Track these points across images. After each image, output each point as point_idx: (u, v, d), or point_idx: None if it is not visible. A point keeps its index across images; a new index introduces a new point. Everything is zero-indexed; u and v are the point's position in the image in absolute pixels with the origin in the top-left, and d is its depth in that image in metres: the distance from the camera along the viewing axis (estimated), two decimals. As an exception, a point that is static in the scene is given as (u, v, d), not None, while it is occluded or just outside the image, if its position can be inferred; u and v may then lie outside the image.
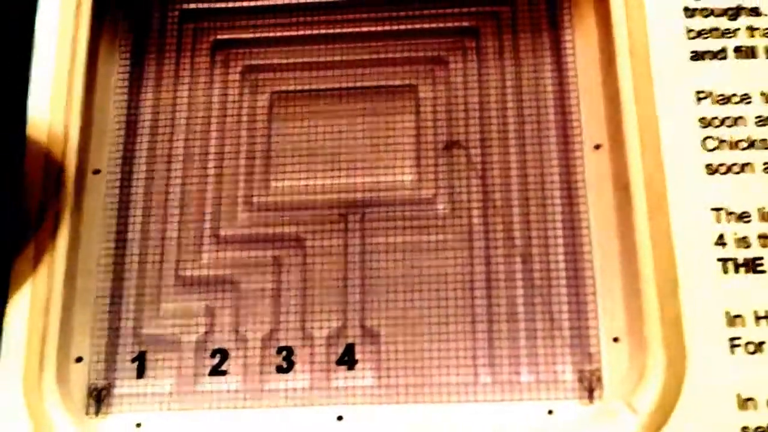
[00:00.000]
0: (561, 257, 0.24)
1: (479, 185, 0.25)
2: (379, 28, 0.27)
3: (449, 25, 0.27)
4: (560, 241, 0.24)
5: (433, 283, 0.24)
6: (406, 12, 0.27)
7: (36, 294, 0.24)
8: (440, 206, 0.25)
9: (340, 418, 0.24)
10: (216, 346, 0.24)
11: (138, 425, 0.24)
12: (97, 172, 0.26)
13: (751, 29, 0.25)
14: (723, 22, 0.25)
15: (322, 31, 0.27)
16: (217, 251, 0.25)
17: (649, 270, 0.23)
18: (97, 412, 0.24)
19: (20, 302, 0.24)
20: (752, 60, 0.25)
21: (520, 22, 0.27)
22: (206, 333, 0.24)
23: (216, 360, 0.24)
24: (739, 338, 0.22)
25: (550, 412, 0.23)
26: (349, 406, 0.24)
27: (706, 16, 0.25)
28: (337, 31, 0.27)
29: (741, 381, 0.22)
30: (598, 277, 0.24)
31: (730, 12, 0.25)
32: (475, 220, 0.25)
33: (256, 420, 0.24)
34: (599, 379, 0.23)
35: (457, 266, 0.24)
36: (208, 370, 0.24)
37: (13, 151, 0.25)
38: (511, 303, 0.24)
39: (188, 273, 0.25)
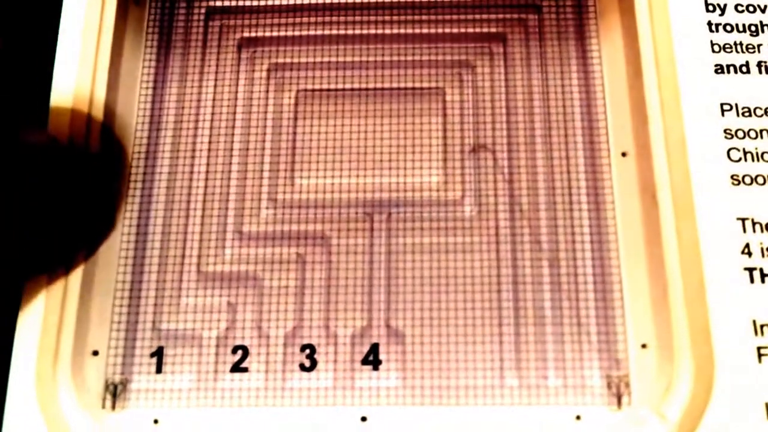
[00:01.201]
0: (588, 262, 0.24)
1: (506, 189, 0.25)
2: (408, 31, 0.27)
3: (477, 30, 0.27)
4: (587, 246, 0.24)
5: (460, 285, 0.24)
6: (433, 16, 0.27)
7: (52, 284, 0.23)
8: (467, 208, 0.25)
9: (364, 419, 0.23)
10: (237, 343, 0.24)
11: (155, 421, 0.23)
12: (118, 164, 0.26)
13: (774, 45, 0.25)
14: (746, 38, 0.25)
15: (350, 32, 0.27)
16: (240, 247, 0.25)
17: (677, 278, 0.23)
18: (113, 407, 0.23)
19: (36, 292, 0.23)
20: (776, 75, 0.25)
21: (546, 30, 0.27)
22: (227, 329, 0.24)
23: (237, 356, 0.24)
24: (766, 347, 0.22)
25: (578, 417, 0.23)
26: (373, 406, 0.23)
27: (729, 32, 0.25)
28: (365, 32, 0.27)
29: (769, 390, 0.22)
30: (626, 284, 0.24)
31: (752, 28, 0.25)
32: (502, 223, 0.25)
33: (278, 419, 0.23)
34: (627, 385, 0.23)
35: (484, 268, 0.24)
36: (228, 367, 0.24)
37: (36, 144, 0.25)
38: (538, 307, 0.24)
39: (210, 268, 0.25)
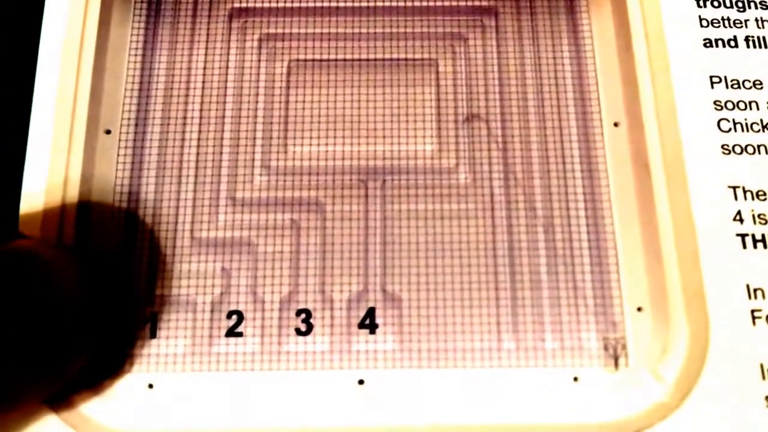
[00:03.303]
0: (583, 228, 0.24)
1: (500, 157, 0.25)
2: (400, 4, 0.27)
3: (469, 3, 0.27)
4: (582, 213, 0.24)
5: (456, 250, 0.24)
6: (425, -12, 0.27)
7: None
8: (461, 176, 0.25)
9: (361, 382, 0.23)
10: (232, 308, 0.24)
11: (150, 386, 0.23)
12: (108, 132, 0.25)
13: (760, 20, 0.26)
14: (733, 13, 0.26)
15: (342, 4, 0.27)
16: (234, 213, 0.24)
17: (670, 243, 0.23)
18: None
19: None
20: (763, 50, 0.25)
21: (537, 5, 0.27)
22: (222, 294, 0.24)
23: (232, 321, 0.23)
24: (760, 310, 0.22)
25: (575, 378, 0.23)
26: (370, 370, 0.23)
27: (717, 7, 0.26)
28: (357, 4, 0.27)
29: (764, 351, 0.22)
30: (620, 249, 0.24)
31: (739, 4, 0.26)
32: (497, 191, 0.25)
33: (274, 383, 0.23)
34: (624, 347, 0.23)
35: (479, 234, 0.24)
36: (223, 332, 0.23)
37: (19, 110, 0.24)
38: (534, 271, 0.24)
39: (204, 234, 0.24)
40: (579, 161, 0.25)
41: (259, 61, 0.26)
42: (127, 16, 0.27)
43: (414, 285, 0.24)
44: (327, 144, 0.25)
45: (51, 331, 0.20)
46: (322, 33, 0.27)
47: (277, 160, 0.25)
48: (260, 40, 0.27)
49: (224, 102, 0.26)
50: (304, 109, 0.26)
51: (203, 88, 0.26)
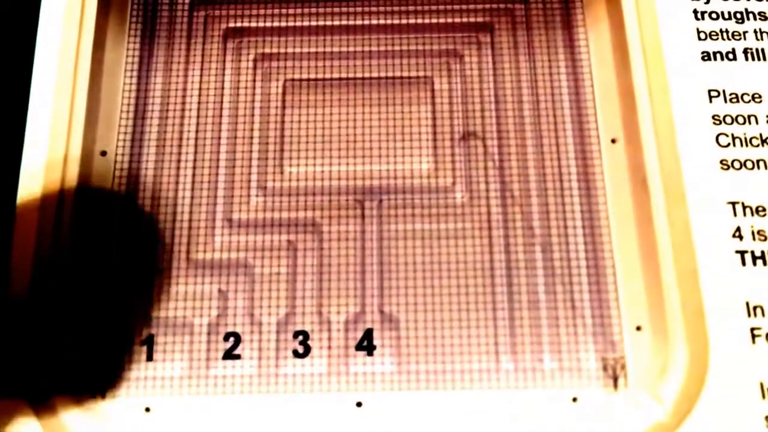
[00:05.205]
0: (581, 247, 0.24)
1: (497, 175, 0.25)
2: (395, 21, 0.27)
3: (464, 20, 0.27)
4: (580, 231, 0.24)
5: (453, 270, 0.24)
6: (420, 6, 0.27)
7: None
8: (458, 195, 0.25)
9: (359, 404, 0.23)
10: (229, 330, 0.23)
11: (147, 409, 0.23)
12: (104, 153, 0.25)
13: (759, 32, 0.25)
14: (731, 25, 0.26)
15: (336, 23, 0.27)
16: (230, 235, 0.24)
17: (669, 261, 0.23)
18: (103, 396, 0.23)
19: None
20: (762, 62, 0.25)
21: (533, 20, 0.27)
22: (219, 316, 0.24)
23: (229, 344, 0.23)
24: (759, 328, 0.22)
25: (574, 399, 0.23)
26: (368, 392, 0.23)
27: (715, 19, 0.26)
28: (351, 22, 0.27)
29: (763, 370, 0.22)
30: (619, 267, 0.24)
31: (737, 15, 0.26)
32: (494, 209, 0.25)
33: (272, 406, 0.23)
34: (623, 367, 0.23)
35: (477, 254, 0.24)
36: (221, 354, 0.23)
37: (14, 131, 0.24)
38: (532, 291, 0.24)
39: (200, 256, 0.24)
40: (576, 178, 0.25)
41: (254, 81, 0.26)
42: (122, 38, 0.27)
43: (411, 306, 0.24)
44: (323, 164, 0.25)
45: None
46: (317, 52, 0.26)
47: (273, 180, 0.25)
48: (255, 60, 0.27)
49: (220, 122, 0.26)
50: (299, 128, 0.26)
51: (198, 108, 0.26)
